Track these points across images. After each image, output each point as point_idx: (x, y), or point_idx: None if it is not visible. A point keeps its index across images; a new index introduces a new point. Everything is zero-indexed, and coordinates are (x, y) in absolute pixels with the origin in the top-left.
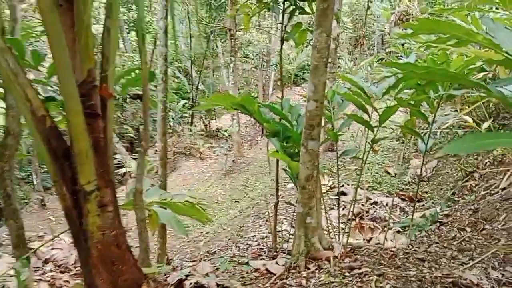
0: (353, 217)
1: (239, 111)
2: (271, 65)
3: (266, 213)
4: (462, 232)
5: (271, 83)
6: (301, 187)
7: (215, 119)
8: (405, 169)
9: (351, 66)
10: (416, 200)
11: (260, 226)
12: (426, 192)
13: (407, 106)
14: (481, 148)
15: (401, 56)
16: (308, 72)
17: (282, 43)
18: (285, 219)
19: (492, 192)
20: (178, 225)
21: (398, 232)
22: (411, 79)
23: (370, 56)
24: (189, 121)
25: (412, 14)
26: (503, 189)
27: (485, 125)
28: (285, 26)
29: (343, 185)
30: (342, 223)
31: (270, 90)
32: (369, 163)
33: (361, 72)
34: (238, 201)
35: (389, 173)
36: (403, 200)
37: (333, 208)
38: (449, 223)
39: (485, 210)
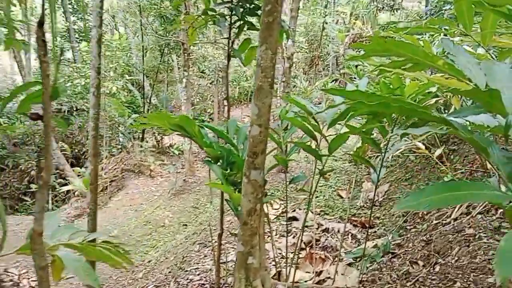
0: (304, 246)
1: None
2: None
3: (213, 241)
4: (414, 266)
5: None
6: (242, 222)
7: (168, 134)
8: (357, 192)
9: (306, 86)
10: (368, 226)
11: (205, 256)
12: (378, 218)
13: (359, 134)
14: (446, 204)
15: (355, 78)
16: None
17: (228, 61)
18: (233, 248)
19: (444, 222)
20: (88, 273)
21: (350, 264)
22: (361, 109)
23: (325, 76)
24: (140, 136)
25: (366, 37)
26: (455, 219)
27: (437, 152)
28: (232, 42)
29: (294, 210)
30: (291, 252)
31: (226, 107)
32: (321, 186)
33: (316, 92)
34: (186, 225)
35: (341, 197)
36: (355, 226)
37: (284, 236)
38: (401, 255)
39: (438, 242)
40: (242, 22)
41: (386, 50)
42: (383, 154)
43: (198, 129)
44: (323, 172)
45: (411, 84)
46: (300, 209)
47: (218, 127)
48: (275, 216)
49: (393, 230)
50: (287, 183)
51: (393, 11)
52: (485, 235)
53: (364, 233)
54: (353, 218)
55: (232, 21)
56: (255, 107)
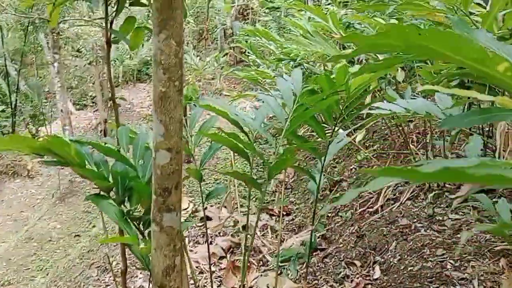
0: (223, 254)
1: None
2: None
3: (113, 266)
4: (351, 267)
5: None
6: (157, 285)
7: (45, 125)
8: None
9: (198, 62)
10: (285, 213)
11: (107, 286)
12: (293, 202)
13: (303, 147)
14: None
15: (248, 52)
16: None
17: (108, 48)
18: (142, 272)
19: (371, 209)
20: None
21: (280, 272)
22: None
23: (215, 50)
24: (10, 131)
25: (253, 8)
26: (382, 206)
27: (359, 137)
28: (111, 23)
29: (206, 208)
30: (212, 264)
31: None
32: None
33: (209, 68)
34: (79, 235)
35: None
36: (272, 216)
37: (198, 242)
38: (333, 253)
39: (372, 237)
40: None
41: (411, 46)
42: (322, 164)
43: (76, 150)
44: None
45: (358, 78)
46: (212, 205)
47: (102, 143)
48: (185, 218)
49: (316, 224)
50: (204, 198)
51: None
52: (421, 225)
53: (283, 223)
54: (268, 207)
55: None
56: (159, 125)
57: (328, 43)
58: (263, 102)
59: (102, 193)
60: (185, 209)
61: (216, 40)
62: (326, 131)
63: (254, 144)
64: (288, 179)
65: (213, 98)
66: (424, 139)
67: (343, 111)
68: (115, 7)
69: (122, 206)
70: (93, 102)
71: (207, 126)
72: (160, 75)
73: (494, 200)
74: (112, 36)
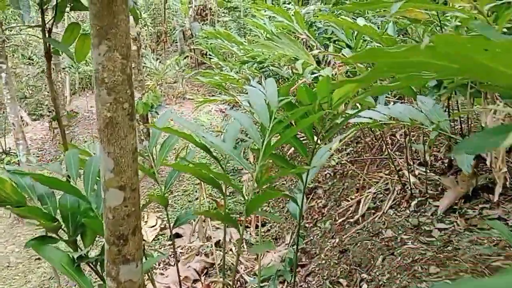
0: (197, 277)
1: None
2: (64, 68)
3: None
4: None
5: (67, 88)
6: None
7: (3, 135)
8: (237, 183)
9: (157, 65)
10: (260, 224)
11: None
12: (266, 211)
13: (284, 174)
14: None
15: (210, 55)
16: None
17: (48, 61)
18: None
19: (351, 219)
20: None
21: None
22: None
23: (174, 52)
24: None
25: (211, 8)
26: (363, 215)
27: (334, 146)
28: (49, 31)
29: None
30: None
31: (68, 97)
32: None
33: (170, 72)
34: (40, 259)
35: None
36: (246, 227)
37: (169, 264)
38: (316, 270)
39: (356, 252)
40: None
41: (470, 68)
42: (304, 183)
43: (13, 187)
44: None
45: (340, 89)
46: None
47: (43, 173)
48: (154, 237)
49: (290, 230)
50: (172, 234)
51: None
52: (407, 237)
53: (257, 235)
54: (240, 219)
55: None
56: (107, 158)
57: (297, 45)
58: (233, 119)
59: (50, 233)
60: (153, 226)
61: (176, 42)
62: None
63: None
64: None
65: (175, 113)
66: (399, 141)
67: (325, 125)
68: (55, 12)
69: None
70: (49, 111)
71: (169, 144)
72: (104, 96)
73: (481, 206)
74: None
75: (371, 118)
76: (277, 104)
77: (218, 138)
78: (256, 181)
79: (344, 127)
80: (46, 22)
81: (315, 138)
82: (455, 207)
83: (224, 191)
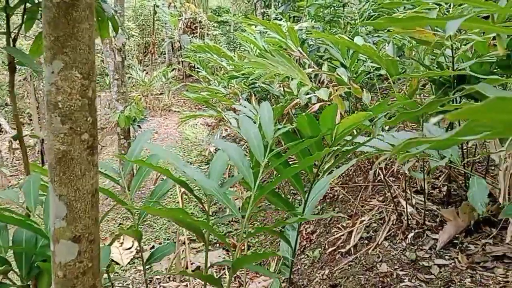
0: None
1: None
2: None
3: None
4: None
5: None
6: None
7: None
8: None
9: (144, 77)
10: (245, 248)
11: None
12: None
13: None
14: None
15: (198, 68)
16: None
17: (11, 71)
18: None
19: (342, 249)
20: None
21: None
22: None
23: (162, 64)
24: None
25: (201, 22)
26: (355, 246)
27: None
28: (14, 40)
29: (153, 247)
30: None
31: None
32: (186, 198)
33: (157, 83)
34: None
35: (204, 211)
36: (228, 251)
37: None
38: None
39: (348, 287)
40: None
41: None
42: (304, 201)
43: None
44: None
45: (348, 119)
46: (160, 243)
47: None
48: (129, 260)
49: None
50: (145, 265)
51: None
52: (404, 273)
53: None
54: (222, 243)
55: (10, 3)
56: (58, 203)
57: (292, 63)
58: (222, 151)
59: None
60: (128, 248)
61: (164, 54)
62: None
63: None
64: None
65: (152, 143)
66: (392, 166)
67: (327, 157)
68: (21, 20)
69: None
70: (30, 120)
71: (142, 175)
72: (57, 125)
73: (484, 241)
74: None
75: (373, 147)
76: (273, 134)
77: (201, 173)
78: (243, 233)
79: None
80: (12, 29)
81: (314, 170)
82: (455, 241)
83: (206, 240)
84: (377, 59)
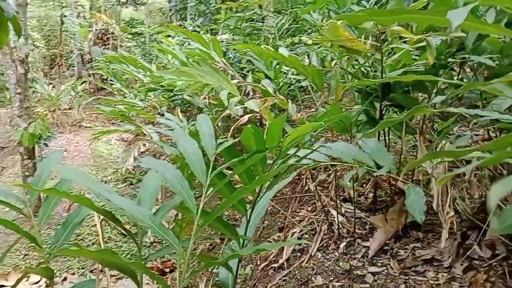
0: None
1: None
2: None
3: None
4: None
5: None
6: None
7: None
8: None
9: (50, 91)
10: (168, 270)
11: None
12: (176, 252)
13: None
14: None
15: (111, 80)
16: None
17: None
18: None
19: (275, 264)
20: None
21: None
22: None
23: (71, 77)
24: None
25: (113, 33)
26: (287, 260)
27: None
28: None
29: (65, 279)
30: None
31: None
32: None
33: (65, 97)
34: None
35: (125, 235)
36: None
37: None
38: None
39: None
40: None
41: None
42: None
43: None
44: None
45: (297, 130)
46: (73, 273)
47: None
48: None
49: (204, 277)
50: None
51: (137, 6)
52: (339, 284)
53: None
54: (147, 266)
55: None
56: None
57: (220, 74)
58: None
59: None
60: (36, 282)
61: (73, 66)
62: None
63: None
64: (168, 225)
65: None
66: (318, 175)
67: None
68: None
69: None
70: None
71: (51, 204)
72: None
73: (413, 245)
74: None
75: (310, 159)
76: (215, 151)
77: (129, 200)
78: (184, 271)
79: None
80: None
81: (257, 189)
82: (386, 247)
83: (139, 281)
84: (303, 70)
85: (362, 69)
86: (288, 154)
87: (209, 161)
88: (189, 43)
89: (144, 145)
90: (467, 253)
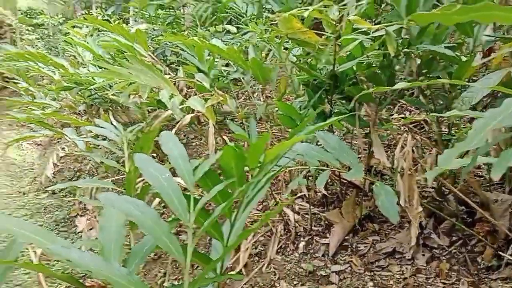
0: None
1: None
2: None
3: None
4: None
5: None
6: None
7: None
8: (73, 234)
9: None
10: None
11: None
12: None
13: None
14: None
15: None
16: None
17: None
18: None
19: (232, 271)
20: None
21: None
22: None
23: None
24: None
25: (10, 25)
26: (245, 265)
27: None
28: None
29: None
30: None
31: None
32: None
33: None
34: None
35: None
36: None
37: None
38: None
39: None
40: None
41: None
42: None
43: None
44: None
45: (277, 147)
46: None
47: None
48: None
49: None
50: None
51: None
52: None
53: None
54: (87, 284)
55: None
56: None
57: (155, 72)
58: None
59: None
60: None
61: None
62: None
63: None
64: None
65: None
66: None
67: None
68: None
69: None
70: None
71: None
72: None
73: (372, 238)
74: None
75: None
76: (194, 180)
77: (91, 254)
78: None
79: None
80: None
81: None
82: (345, 243)
83: None
84: (242, 64)
85: (309, 60)
86: (266, 172)
87: (189, 193)
88: (99, 34)
89: (63, 149)
90: (427, 243)
